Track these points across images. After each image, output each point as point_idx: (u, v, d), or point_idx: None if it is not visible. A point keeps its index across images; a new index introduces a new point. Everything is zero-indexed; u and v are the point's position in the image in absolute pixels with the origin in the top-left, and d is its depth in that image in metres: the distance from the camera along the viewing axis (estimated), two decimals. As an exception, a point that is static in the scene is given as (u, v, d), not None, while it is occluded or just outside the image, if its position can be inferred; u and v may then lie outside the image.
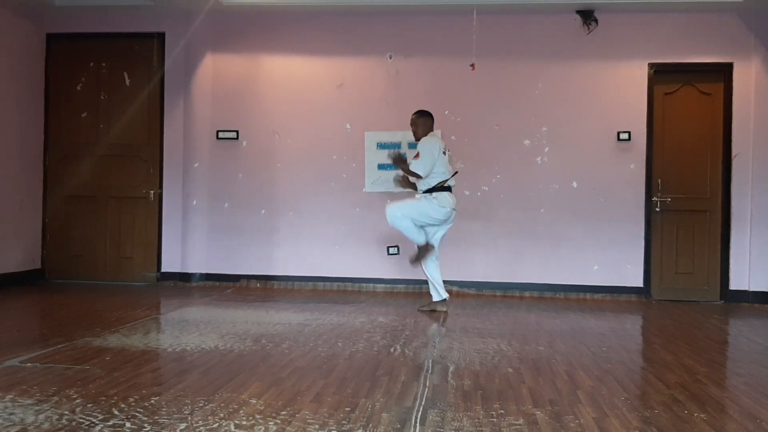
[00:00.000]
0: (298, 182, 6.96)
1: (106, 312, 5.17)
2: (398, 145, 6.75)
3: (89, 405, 2.78)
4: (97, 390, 3.00)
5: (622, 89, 6.66)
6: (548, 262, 6.68)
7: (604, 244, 6.63)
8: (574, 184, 6.69)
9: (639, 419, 2.77)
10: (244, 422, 2.60)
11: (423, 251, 5.52)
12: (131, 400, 2.86)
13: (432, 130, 5.62)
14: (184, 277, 6.98)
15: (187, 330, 4.51)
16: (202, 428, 2.52)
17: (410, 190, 5.71)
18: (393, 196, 6.72)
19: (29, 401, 2.82)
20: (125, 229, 7.07)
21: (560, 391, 3.19)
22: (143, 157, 7.04)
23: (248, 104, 7.00)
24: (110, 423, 2.56)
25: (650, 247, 6.63)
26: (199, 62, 6.99)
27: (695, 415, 2.85)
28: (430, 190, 5.41)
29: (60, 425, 2.53)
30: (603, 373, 3.56)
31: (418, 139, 5.54)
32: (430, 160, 5.30)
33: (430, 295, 5.66)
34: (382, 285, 6.81)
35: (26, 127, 6.83)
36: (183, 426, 2.54)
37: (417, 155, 5.34)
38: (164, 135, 6.99)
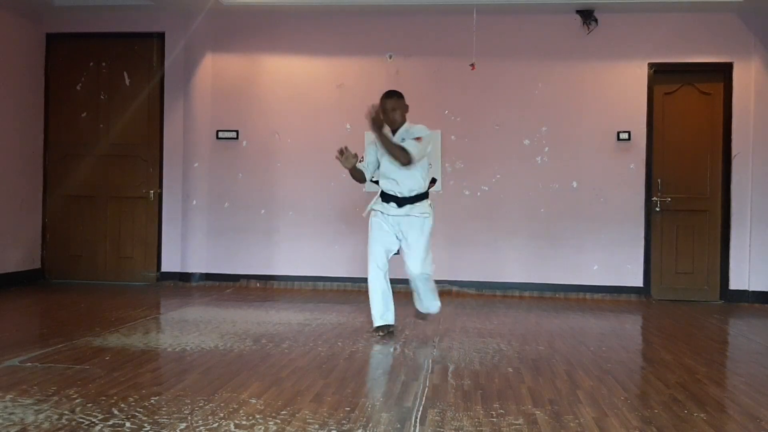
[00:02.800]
0: (298, 182, 6.95)
1: (106, 312, 5.17)
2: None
3: (89, 405, 2.78)
4: (97, 390, 3.00)
5: (622, 89, 6.66)
6: (548, 262, 6.68)
7: (604, 244, 6.63)
8: (574, 184, 6.69)
9: (639, 419, 2.77)
10: (244, 422, 2.60)
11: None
12: (131, 399, 2.86)
13: None
14: (184, 277, 6.98)
15: (187, 330, 4.51)
16: (202, 428, 2.52)
17: (357, 166, 4.46)
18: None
19: (29, 401, 2.82)
20: (125, 229, 7.07)
21: (560, 390, 3.19)
22: (143, 157, 7.03)
23: (248, 104, 7.00)
24: (110, 423, 2.56)
25: (650, 246, 6.63)
26: (199, 62, 6.99)
27: (695, 414, 2.85)
28: (425, 195, 4.47)
29: (60, 425, 2.53)
30: (603, 373, 3.56)
31: (398, 126, 4.44)
32: (423, 152, 4.37)
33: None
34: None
35: (26, 127, 6.83)
36: (183, 426, 2.54)
37: (419, 139, 4.36)
38: (164, 135, 6.99)
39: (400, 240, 4.50)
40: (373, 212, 4.58)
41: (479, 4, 6.44)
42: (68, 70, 7.09)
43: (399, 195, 4.43)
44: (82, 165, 7.06)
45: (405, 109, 4.50)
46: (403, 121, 4.48)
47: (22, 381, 3.13)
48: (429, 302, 4.59)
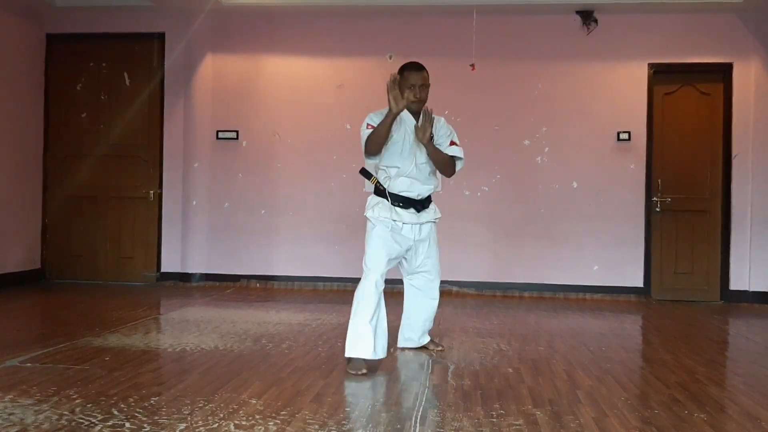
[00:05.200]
0: (298, 182, 6.96)
1: (106, 312, 5.17)
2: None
3: (89, 405, 2.78)
4: (97, 390, 3.01)
5: (622, 89, 6.66)
6: (548, 262, 6.68)
7: (604, 244, 6.63)
8: (574, 184, 6.69)
9: (638, 419, 2.77)
10: (243, 422, 2.61)
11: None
12: (131, 400, 2.87)
13: None
14: (184, 277, 6.98)
15: (187, 330, 4.51)
16: (201, 428, 2.53)
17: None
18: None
19: (29, 401, 2.82)
20: (125, 229, 7.07)
21: (560, 391, 3.19)
22: (143, 158, 7.04)
23: (248, 104, 7.00)
24: (110, 423, 2.56)
25: (650, 247, 6.64)
26: (199, 62, 7.00)
27: (695, 414, 2.85)
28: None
29: (60, 425, 2.53)
30: (602, 373, 3.56)
31: (419, 108, 3.61)
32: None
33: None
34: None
35: (26, 128, 6.83)
36: (183, 426, 2.55)
37: (452, 143, 3.65)
38: (164, 135, 6.99)
39: (408, 254, 3.80)
40: (379, 222, 3.73)
41: (479, 5, 6.44)
42: (68, 70, 7.09)
43: (417, 198, 3.66)
44: (83, 165, 7.07)
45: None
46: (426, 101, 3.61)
47: (22, 381, 3.14)
48: (429, 325, 3.98)
